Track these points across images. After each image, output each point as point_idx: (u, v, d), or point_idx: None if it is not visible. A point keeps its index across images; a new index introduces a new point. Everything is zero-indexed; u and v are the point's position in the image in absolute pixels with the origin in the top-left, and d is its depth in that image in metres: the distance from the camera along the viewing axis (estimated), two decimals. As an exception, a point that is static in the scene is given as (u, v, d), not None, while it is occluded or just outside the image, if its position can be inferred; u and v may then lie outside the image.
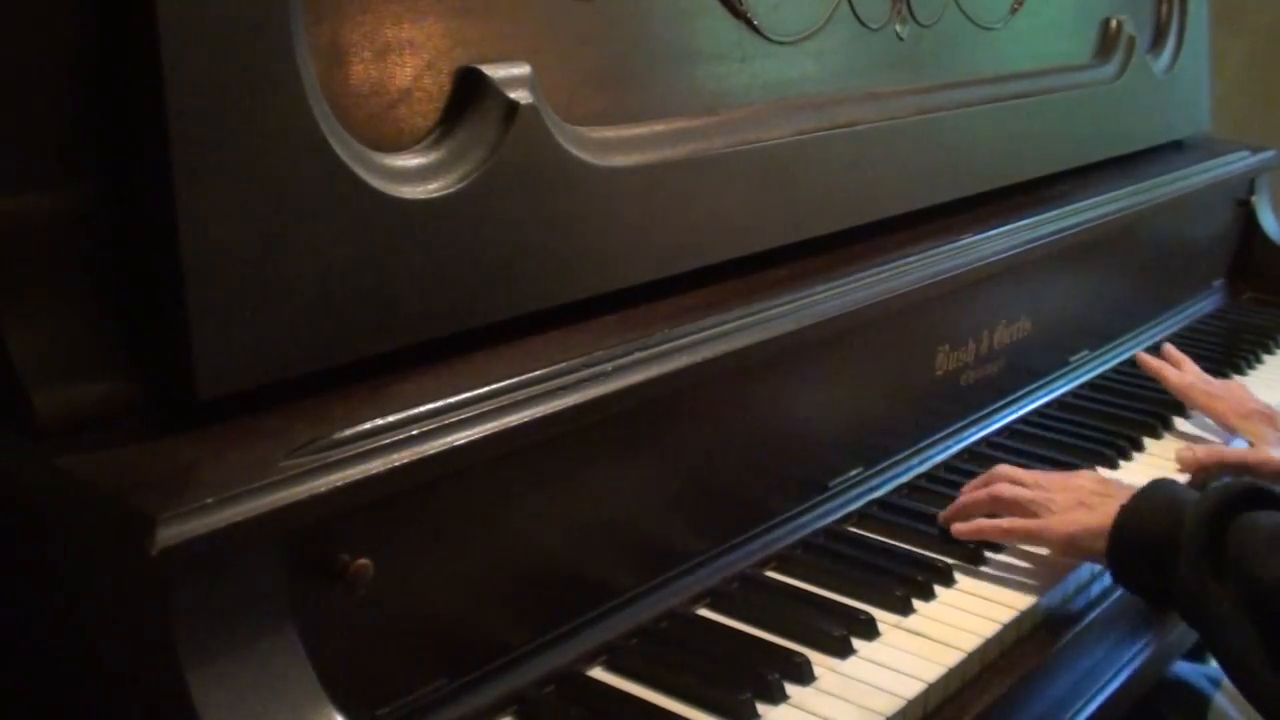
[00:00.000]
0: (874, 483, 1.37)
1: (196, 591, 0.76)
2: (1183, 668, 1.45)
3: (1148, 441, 1.55)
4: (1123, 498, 1.17)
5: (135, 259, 0.84)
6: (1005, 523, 1.23)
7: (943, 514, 1.28)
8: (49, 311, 0.82)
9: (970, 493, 1.29)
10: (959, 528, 1.25)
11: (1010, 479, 1.27)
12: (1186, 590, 1.08)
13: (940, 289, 1.37)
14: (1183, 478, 1.43)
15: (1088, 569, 1.25)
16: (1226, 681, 1.40)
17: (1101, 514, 1.16)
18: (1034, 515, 1.22)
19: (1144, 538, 1.12)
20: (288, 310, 0.87)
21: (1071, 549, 1.19)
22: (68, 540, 0.84)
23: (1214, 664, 1.79)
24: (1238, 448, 1.50)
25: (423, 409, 0.89)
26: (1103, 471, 1.41)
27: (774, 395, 1.21)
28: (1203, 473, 1.44)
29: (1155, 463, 1.49)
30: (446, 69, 0.99)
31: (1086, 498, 1.20)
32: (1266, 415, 1.52)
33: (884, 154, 1.41)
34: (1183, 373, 1.64)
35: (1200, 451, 1.46)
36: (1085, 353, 1.77)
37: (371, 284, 0.92)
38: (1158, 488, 1.17)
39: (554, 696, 1.00)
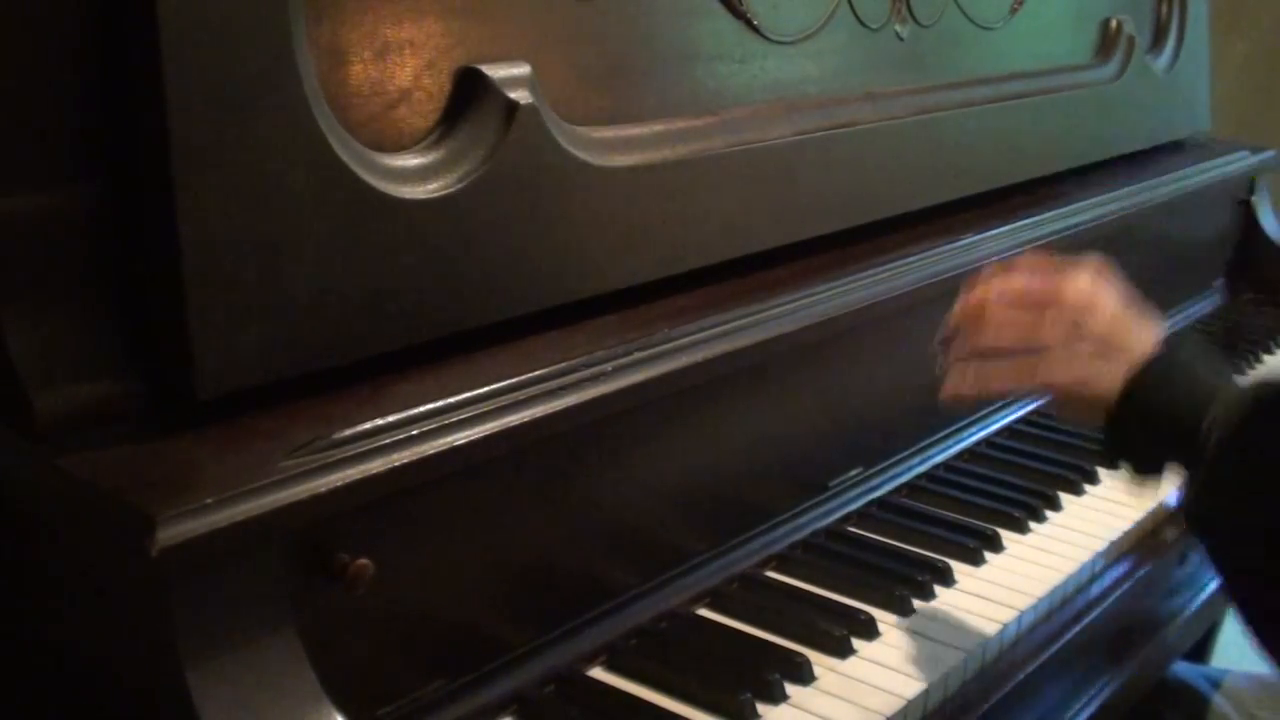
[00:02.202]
0: (874, 483, 1.37)
1: (196, 591, 0.76)
2: (1182, 668, 1.45)
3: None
4: (1132, 353, 1.02)
5: (135, 259, 0.84)
6: (996, 382, 1.08)
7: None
8: (49, 311, 0.82)
9: (953, 338, 1.11)
10: (945, 391, 1.10)
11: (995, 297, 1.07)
12: (1202, 505, 0.99)
13: (940, 289, 1.37)
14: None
15: (1088, 569, 1.25)
16: (1225, 682, 1.40)
17: (1107, 378, 1.02)
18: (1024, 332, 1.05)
19: (1154, 423, 1.00)
20: (288, 310, 0.87)
21: (1065, 411, 1.07)
22: (68, 540, 0.84)
23: (1213, 664, 1.80)
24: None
25: (423, 409, 0.89)
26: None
27: (774, 395, 1.21)
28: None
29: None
30: (446, 69, 0.99)
31: (1087, 342, 1.03)
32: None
33: (884, 154, 1.41)
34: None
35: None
36: (1085, 353, 1.76)
37: (371, 284, 0.92)
38: (1172, 361, 1.02)
39: (554, 696, 1.00)
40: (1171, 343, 1.05)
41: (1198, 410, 0.98)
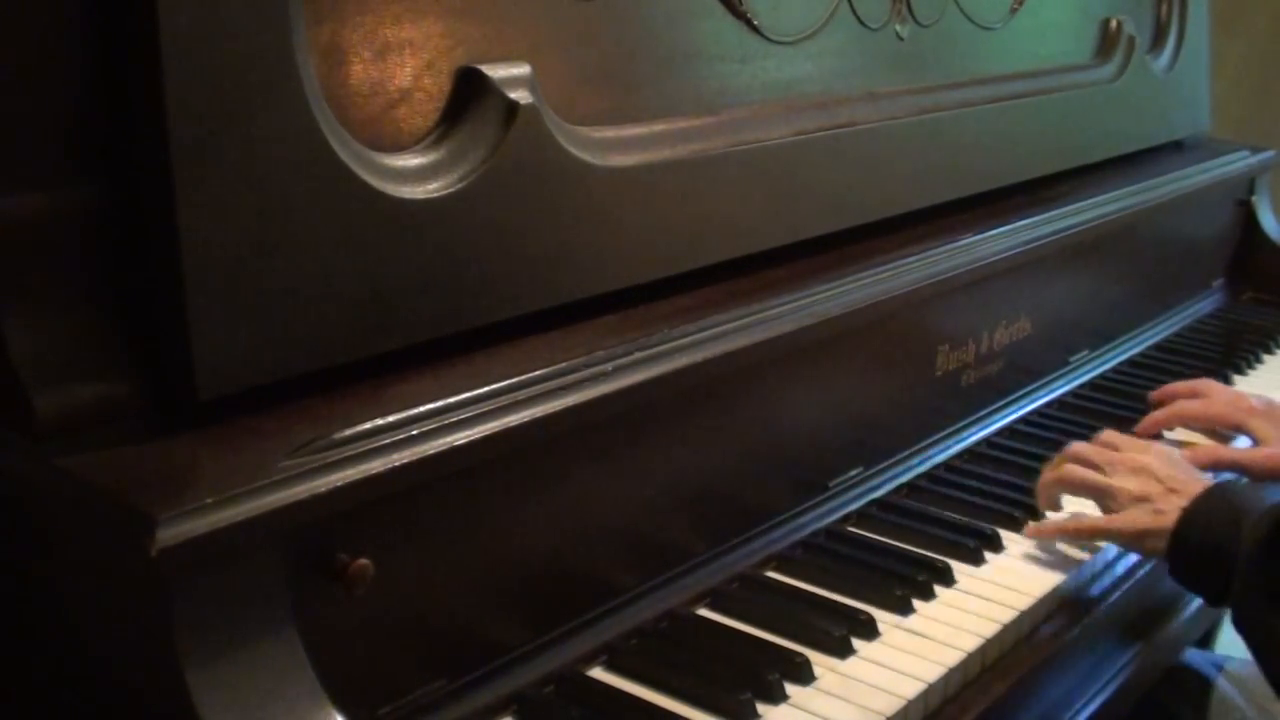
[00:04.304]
0: (874, 483, 1.37)
1: (196, 591, 0.76)
2: (1189, 654, 1.45)
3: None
4: (1188, 494, 1.17)
5: (135, 259, 0.84)
6: (1073, 523, 1.25)
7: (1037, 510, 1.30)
8: (49, 311, 0.82)
9: (1044, 477, 1.30)
10: (1030, 529, 1.27)
11: (1078, 457, 1.28)
12: (1240, 611, 1.09)
13: (940, 289, 1.37)
14: None
15: (1088, 568, 1.25)
16: (1229, 666, 1.40)
17: (1166, 514, 1.17)
18: (1102, 495, 1.24)
19: (1204, 547, 1.13)
20: (288, 310, 0.87)
21: (1135, 547, 1.22)
22: (68, 540, 0.84)
23: (1217, 650, 1.80)
24: (1235, 448, 1.50)
25: (423, 409, 0.89)
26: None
27: (774, 395, 1.21)
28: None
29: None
30: (446, 69, 0.99)
31: (1152, 489, 1.20)
32: (1267, 411, 1.50)
33: (884, 154, 1.41)
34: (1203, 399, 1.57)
35: (1200, 453, 1.46)
36: (1085, 353, 1.77)
37: (371, 284, 0.92)
38: (1222, 493, 1.16)
39: (554, 696, 1.00)
40: (1217, 488, 1.18)
41: (1238, 526, 1.10)
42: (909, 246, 1.37)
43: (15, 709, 0.91)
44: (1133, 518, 1.20)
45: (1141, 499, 1.20)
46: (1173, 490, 1.19)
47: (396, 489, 0.86)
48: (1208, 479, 1.20)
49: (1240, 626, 1.10)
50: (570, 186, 1.06)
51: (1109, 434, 1.34)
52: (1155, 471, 1.22)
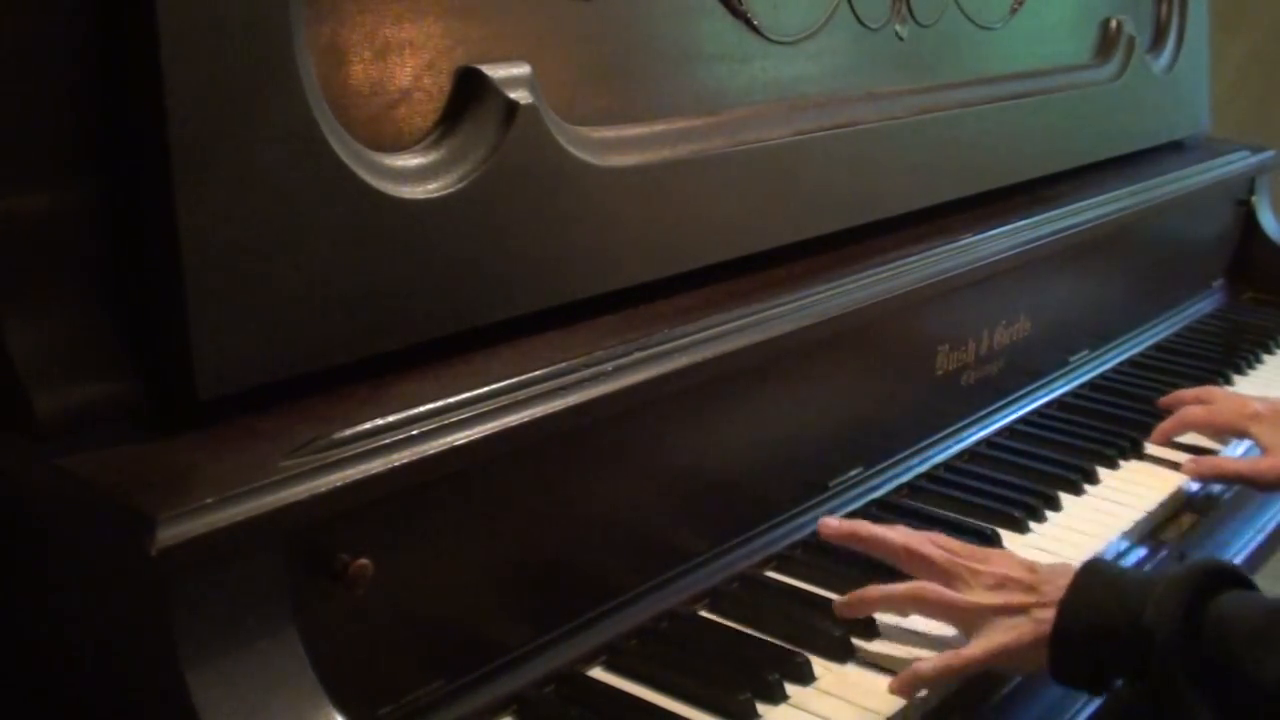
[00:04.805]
0: (874, 483, 1.37)
1: (196, 591, 0.76)
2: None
3: (1148, 446, 1.54)
4: (1053, 595, 1.03)
5: (135, 259, 0.84)
6: (928, 667, 1.03)
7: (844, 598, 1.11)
8: (49, 311, 0.82)
9: (885, 588, 1.10)
10: (893, 685, 1.04)
11: (927, 559, 1.10)
12: (1158, 697, 0.97)
13: (940, 289, 1.37)
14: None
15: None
16: None
17: (1034, 623, 1.03)
18: (966, 616, 1.07)
19: (1093, 640, 1.00)
20: (288, 310, 0.87)
21: (1000, 663, 1.06)
22: (68, 540, 0.84)
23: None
24: (1240, 458, 1.50)
25: (423, 409, 0.89)
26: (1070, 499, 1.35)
27: (774, 395, 1.21)
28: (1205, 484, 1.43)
29: (1153, 467, 1.49)
30: (446, 69, 0.99)
31: (1022, 598, 1.05)
32: (1272, 416, 1.48)
33: (884, 154, 1.41)
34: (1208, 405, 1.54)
35: (1204, 464, 1.46)
36: (1085, 353, 1.77)
37: (371, 284, 0.92)
38: (1091, 578, 1.03)
39: (554, 696, 1.00)
40: (1082, 572, 1.04)
41: (1129, 601, 0.98)
42: (909, 246, 1.37)
43: (15, 709, 0.91)
44: (995, 637, 1.04)
45: (1014, 611, 1.05)
46: (1035, 598, 1.04)
47: (396, 489, 0.86)
48: (1068, 570, 1.05)
49: (1164, 713, 0.98)
50: (570, 186, 1.06)
51: (940, 538, 1.14)
52: (1019, 579, 1.07)
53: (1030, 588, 1.05)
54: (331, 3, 0.91)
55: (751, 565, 1.20)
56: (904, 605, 1.10)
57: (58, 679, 0.88)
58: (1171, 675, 0.96)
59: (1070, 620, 1.01)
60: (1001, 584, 1.06)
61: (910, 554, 1.11)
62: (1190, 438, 1.55)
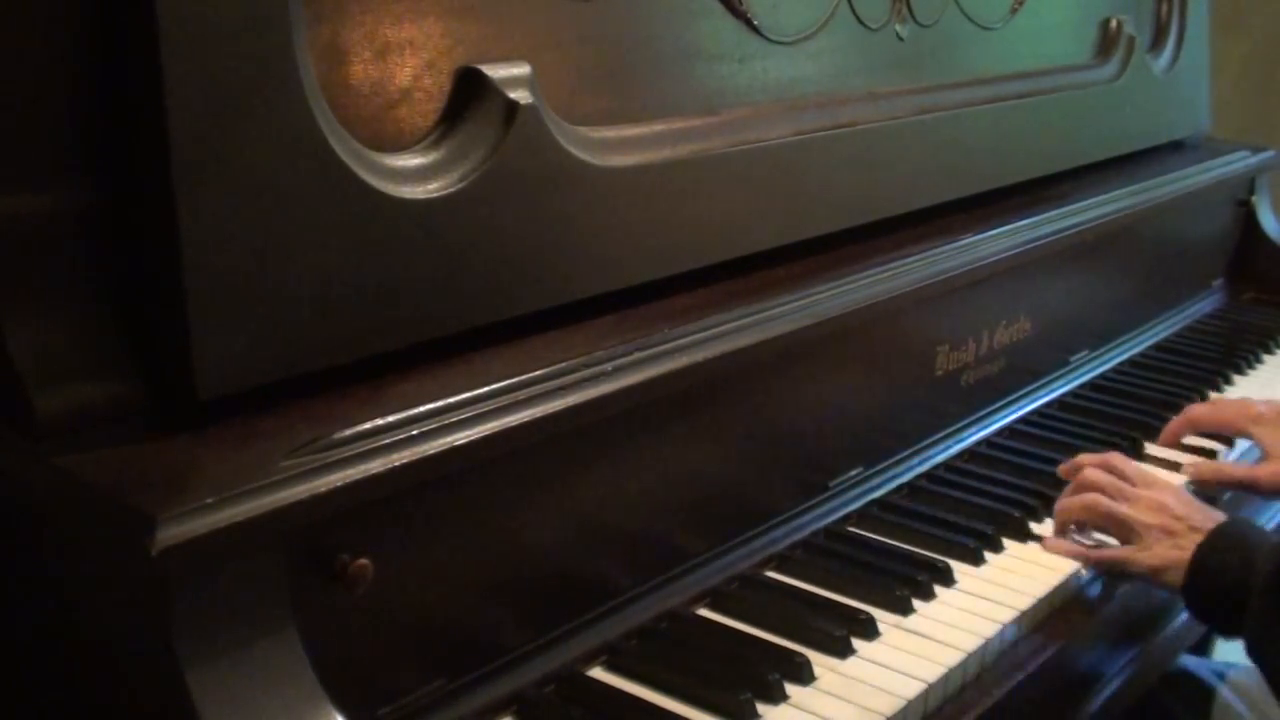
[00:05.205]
0: (874, 483, 1.37)
1: (196, 591, 0.76)
2: (1188, 660, 1.45)
3: (1148, 446, 1.55)
4: (1204, 530, 1.21)
5: (135, 259, 0.84)
6: (1095, 553, 1.28)
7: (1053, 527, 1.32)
8: (49, 311, 0.82)
9: (1064, 500, 1.32)
10: (1050, 543, 1.29)
11: (1097, 486, 1.30)
12: (1255, 642, 1.12)
13: (940, 289, 1.37)
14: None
15: (1087, 570, 1.25)
16: (1231, 674, 1.41)
17: (1186, 549, 1.21)
18: (1124, 528, 1.26)
19: (1219, 580, 1.17)
20: (288, 310, 0.87)
21: (1155, 582, 1.24)
22: (68, 540, 0.84)
23: (1219, 657, 1.80)
24: (1242, 463, 1.50)
25: (423, 409, 0.89)
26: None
27: (774, 395, 1.21)
28: (1205, 490, 1.44)
29: (1154, 468, 1.49)
30: (446, 69, 0.99)
31: (1171, 524, 1.24)
32: (1275, 418, 1.49)
33: (884, 154, 1.41)
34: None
35: (1205, 470, 1.46)
36: (1085, 353, 1.77)
37: (371, 284, 0.92)
38: (1233, 527, 1.21)
39: (554, 696, 1.00)
40: (1229, 523, 1.23)
41: (1251, 560, 1.15)
42: (909, 246, 1.37)
43: (15, 709, 0.91)
44: (1156, 553, 1.23)
45: (1163, 534, 1.24)
46: (1192, 528, 1.23)
47: (396, 489, 0.86)
48: (1219, 516, 1.24)
49: (1255, 656, 1.13)
50: (570, 186, 1.06)
51: (1116, 458, 1.36)
52: (1173, 509, 1.26)
53: (1184, 520, 1.24)
54: (331, 3, 0.91)
55: (751, 565, 1.20)
56: (1074, 514, 1.30)
57: (58, 679, 0.88)
58: (1264, 626, 1.11)
59: (1202, 563, 1.19)
60: (1160, 508, 1.25)
61: (1088, 510, 1.30)
62: (1192, 439, 1.55)
